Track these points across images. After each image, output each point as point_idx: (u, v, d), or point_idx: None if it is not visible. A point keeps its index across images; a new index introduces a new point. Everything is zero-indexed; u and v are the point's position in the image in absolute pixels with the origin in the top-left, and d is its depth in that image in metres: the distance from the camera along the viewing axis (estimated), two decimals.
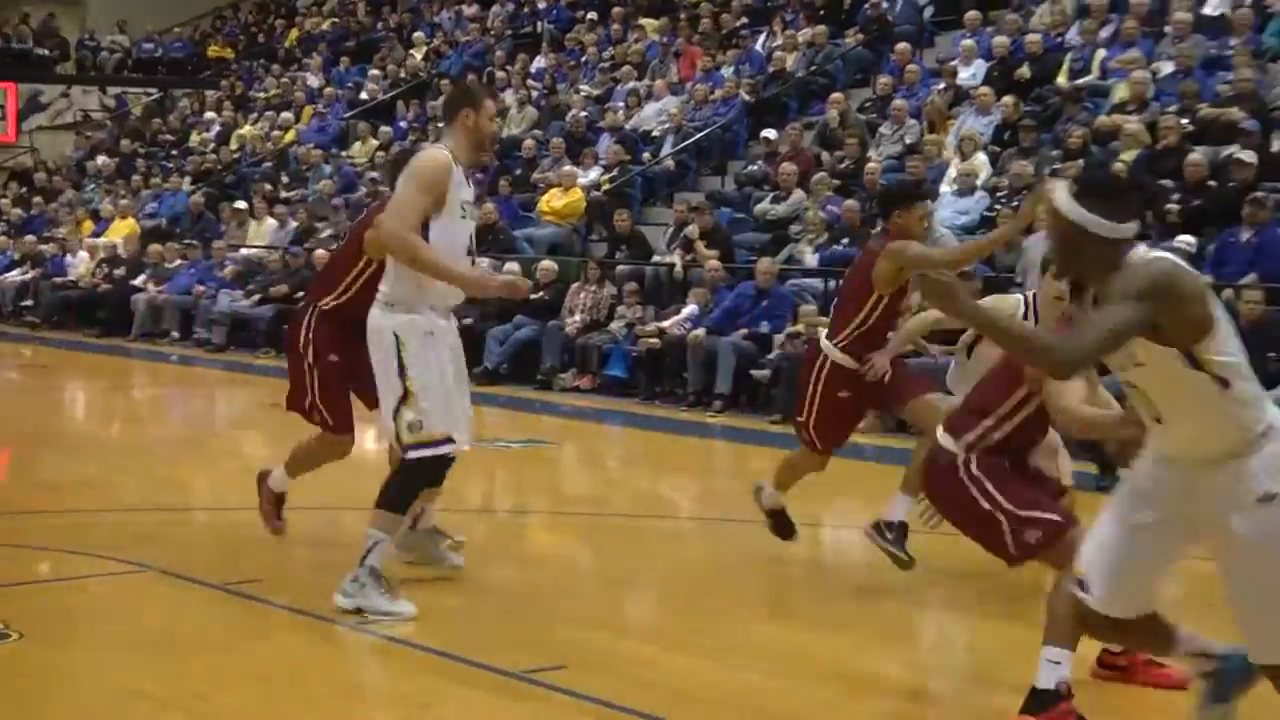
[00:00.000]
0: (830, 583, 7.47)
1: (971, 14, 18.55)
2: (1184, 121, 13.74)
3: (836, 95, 17.80)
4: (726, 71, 20.15)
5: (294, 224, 20.59)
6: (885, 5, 19.82)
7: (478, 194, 6.40)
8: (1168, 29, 15.86)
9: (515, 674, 5.29)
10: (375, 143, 22.90)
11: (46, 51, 32.12)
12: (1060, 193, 4.00)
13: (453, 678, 5.35)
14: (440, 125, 16.09)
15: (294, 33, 31.00)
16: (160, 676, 5.33)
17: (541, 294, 15.45)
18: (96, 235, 22.86)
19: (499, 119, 21.41)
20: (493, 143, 6.62)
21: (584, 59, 23.13)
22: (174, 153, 26.75)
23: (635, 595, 7.25)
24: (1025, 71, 16.47)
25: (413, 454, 5.98)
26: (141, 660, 5.54)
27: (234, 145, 25.65)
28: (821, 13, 20.56)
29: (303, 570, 7.15)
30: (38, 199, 26.63)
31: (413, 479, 6.12)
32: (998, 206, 13.97)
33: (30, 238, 23.68)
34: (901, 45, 18.36)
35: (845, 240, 14.54)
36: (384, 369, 6.01)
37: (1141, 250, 3.91)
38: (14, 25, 32.46)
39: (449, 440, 6.02)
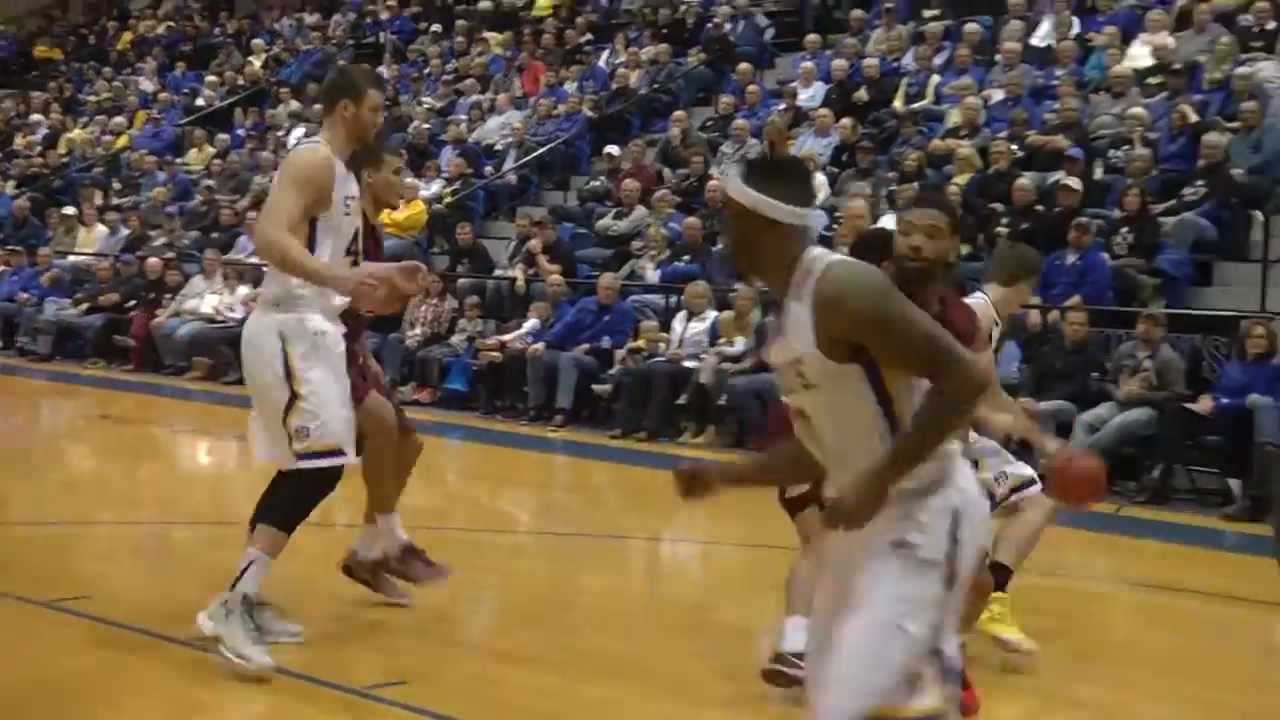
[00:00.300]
0: (669, 597, 7.51)
1: (811, 37, 18.91)
2: (1014, 147, 14.15)
3: (679, 113, 17.97)
4: (570, 87, 20.22)
5: (125, 231, 20.14)
6: (728, 26, 20.08)
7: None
8: (998, 58, 16.33)
9: (358, 691, 5.23)
10: (211, 150, 22.50)
11: None
12: (731, 178, 3.53)
13: (295, 695, 5.25)
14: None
15: (127, 35, 30.31)
16: None
17: None
18: None
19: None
20: (377, 136, 6.11)
21: (427, 71, 23.01)
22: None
23: (475, 610, 7.21)
24: (863, 95, 16.80)
25: (303, 464, 5.54)
26: None
27: (62, 149, 24.96)
28: (664, 31, 20.76)
29: (131, 585, 6.98)
30: None
31: (301, 492, 5.64)
32: (835, 226, 14.20)
33: None
34: (743, 66, 18.61)
35: (686, 257, 14.67)
36: (265, 373, 5.56)
37: (817, 250, 3.36)
38: None
39: (340, 452, 5.59)
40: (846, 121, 15.95)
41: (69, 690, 5.27)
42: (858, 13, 19.21)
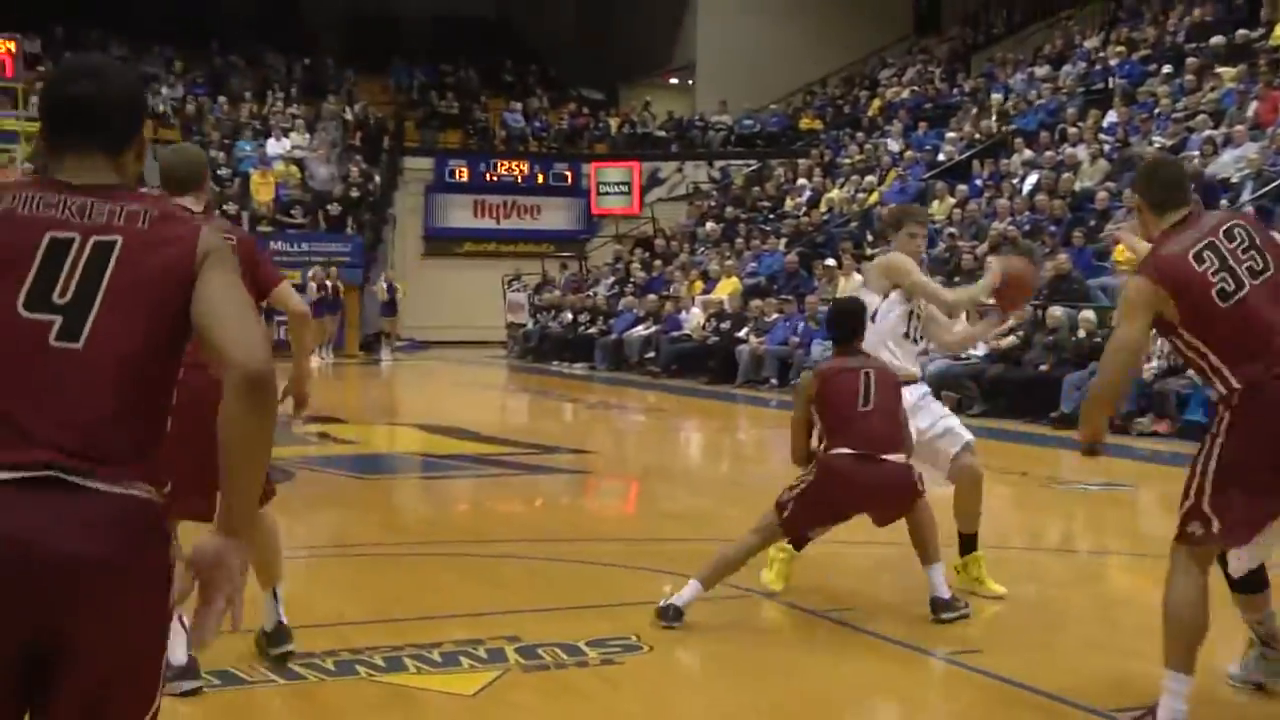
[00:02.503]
0: None
1: None
2: None
3: None
4: None
5: None
6: None
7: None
8: None
9: (1099, 711, 5.17)
10: (952, 200, 22.95)
11: (664, 133, 34.20)
12: None
13: (1032, 708, 5.28)
14: None
15: (876, 102, 31.53)
16: (758, 691, 5.53)
17: None
18: (706, 293, 24.08)
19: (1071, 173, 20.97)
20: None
21: (1156, 110, 22.22)
22: (771, 217, 27.79)
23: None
24: None
25: None
26: (740, 676, 5.74)
27: (823, 208, 26.40)
28: None
29: (892, 600, 7.24)
30: (657, 262, 28.35)
31: None
32: None
33: (651, 296, 25.31)
34: None
35: None
36: None
37: None
38: (641, 109, 34.83)
39: None
40: None
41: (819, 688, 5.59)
42: None
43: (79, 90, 2.67)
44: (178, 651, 4.73)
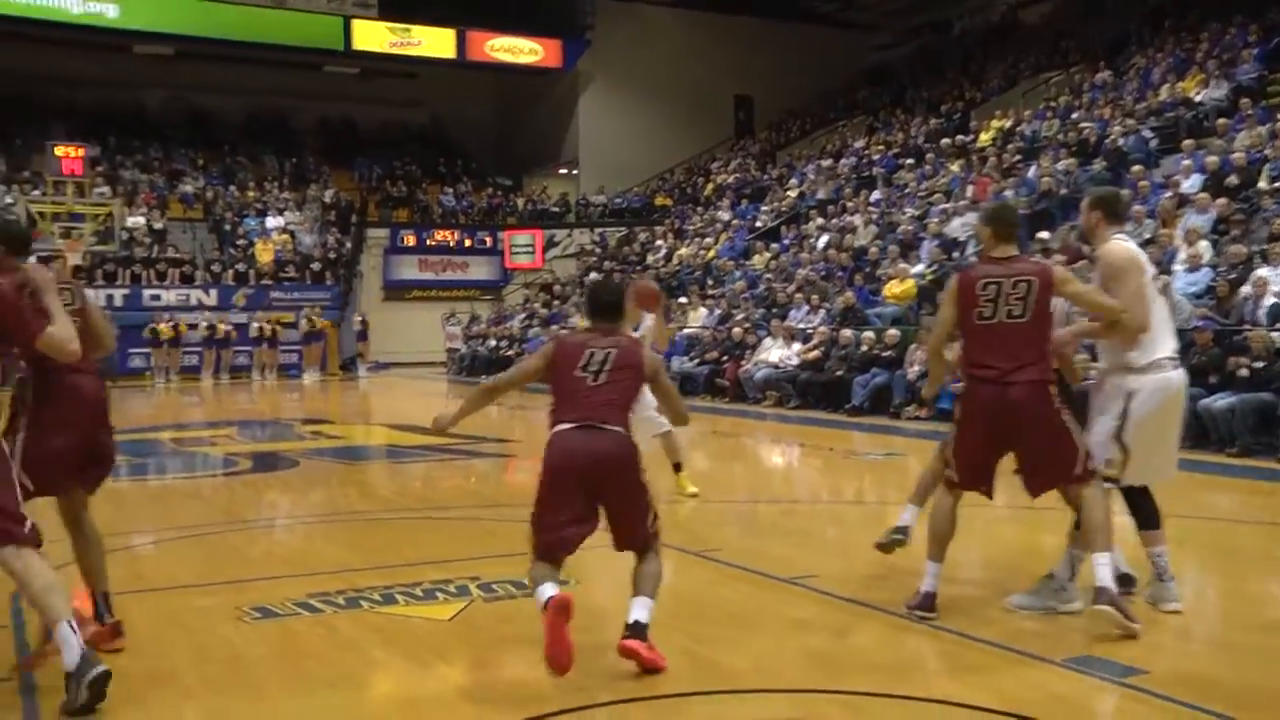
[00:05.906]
0: None
1: (1186, 142, 17.12)
2: None
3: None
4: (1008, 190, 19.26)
5: (718, 311, 20.99)
6: (1120, 141, 18.54)
7: None
8: None
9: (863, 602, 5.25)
10: (768, 254, 22.95)
11: (557, 209, 34.24)
12: None
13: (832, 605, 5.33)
14: None
15: (710, 185, 31.33)
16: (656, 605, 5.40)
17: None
18: None
19: None
20: None
21: (906, 191, 22.52)
22: (637, 268, 27.69)
23: None
24: (1232, 179, 15.12)
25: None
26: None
27: (675, 262, 26.36)
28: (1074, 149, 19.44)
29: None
30: (556, 302, 28.19)
31: None
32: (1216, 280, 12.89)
33: (553, 327, 25.05)
34: (1136, 168, 17.15)
35: None
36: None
37: None
38: (540, 192, 34.72)
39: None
40: (1221, 201, 14.52)
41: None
42: (1222, 120, 17.42)
43: None
44: (73, 654, 3.93)
